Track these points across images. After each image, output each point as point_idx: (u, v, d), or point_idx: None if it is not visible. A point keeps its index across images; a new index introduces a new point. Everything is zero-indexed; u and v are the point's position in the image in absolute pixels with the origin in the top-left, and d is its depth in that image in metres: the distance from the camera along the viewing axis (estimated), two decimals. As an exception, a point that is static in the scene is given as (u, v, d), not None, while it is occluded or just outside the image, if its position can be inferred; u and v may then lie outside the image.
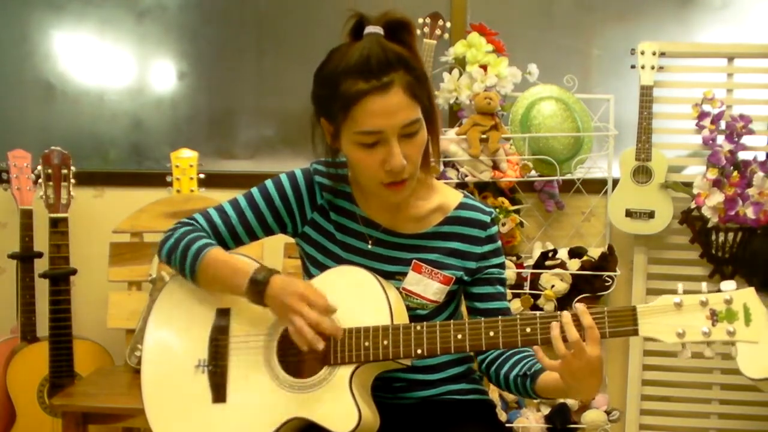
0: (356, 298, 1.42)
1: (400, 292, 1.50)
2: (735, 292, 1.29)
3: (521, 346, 1.37)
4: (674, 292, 1.32)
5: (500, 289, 1.57)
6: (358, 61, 1.33)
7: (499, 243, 1.57)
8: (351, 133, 1.36)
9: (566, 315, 1.32)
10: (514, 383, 1.51)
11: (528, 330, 1.35)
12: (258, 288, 1.40)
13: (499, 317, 1.38)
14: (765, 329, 1.27)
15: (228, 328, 1.48)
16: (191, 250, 1.47)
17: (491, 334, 1.37)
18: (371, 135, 1.35)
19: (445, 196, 1.56)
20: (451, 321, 1.40)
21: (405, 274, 1.51)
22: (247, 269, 1.42)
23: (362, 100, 1.32)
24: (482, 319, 1.38)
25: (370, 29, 1.37)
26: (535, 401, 2.70)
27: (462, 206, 1.55)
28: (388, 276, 1.50)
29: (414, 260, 1.51)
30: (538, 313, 1.38)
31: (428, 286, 1.50)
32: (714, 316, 1.29)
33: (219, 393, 1.45)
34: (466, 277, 1.53)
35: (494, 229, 1.55)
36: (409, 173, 1.40)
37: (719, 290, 1.30)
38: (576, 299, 2.58)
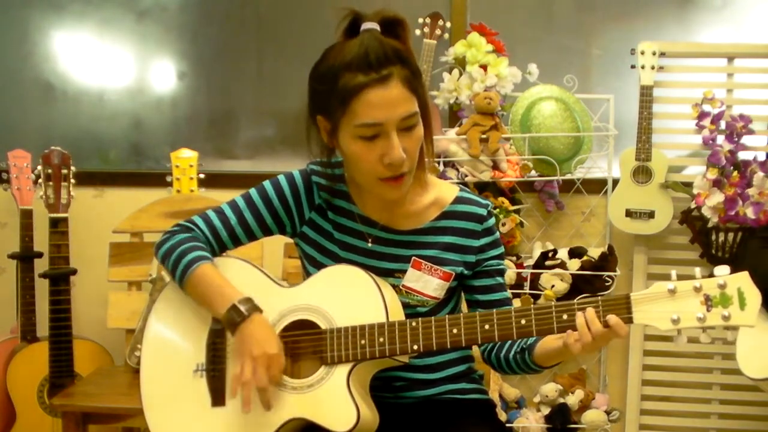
0: (352, 296, 1.42)
1: (400, 290, 1.50)
2: (729, 277, 1.29)
3: (516, 338, 1.39)
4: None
5: (500, 280, 1.58)
6: (356, 56, 1.34)
7: (497, 235, 1.58)
8: (351, 127, 1.37)
9: (591, 311, 1.34)
10: (514, 361, 1.53)
11: (523, 322, 1.36)
12: (235, 318, 1.40)
13: (494, 310, 1.39)
14: (759, 312, 1.27)
15: (225, 331, 1.47)
16: (183, 261, 1.47)
17: (486, 327, 1.38)
18: (371, 127, 1.35)
19: (441, 191, 1.56)
20: (447, 316, 1.40)
21: (404, 272, 1.51)
22: (232, 296, 1.42)
23: (362, 92, 1.33)
24: (477, 312, 1.39)
25: (366, 25, 1.39)
26: (535, 400, 2.70)
27: (458, 200, 1.55)
28: (387, 274, 1.51)
29: (413, 257, 1.51)
30: (532, 305, 1.38)
31: (428, 283, 1.51)
32: (708, 302, 1.29)
33: (218, 397, 1.45)
34: (466, 272, 1.54)
35: (491, 221, 1.56)
36: (408, 168, 1.41)
37: (713, 275, 1.30)
38: (576, 299, 2.58)
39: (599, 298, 1.35)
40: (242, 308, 1.40)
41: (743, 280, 1.29)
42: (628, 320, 1.33)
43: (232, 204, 1.57)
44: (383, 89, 1.34)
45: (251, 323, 1.40)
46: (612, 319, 1.32)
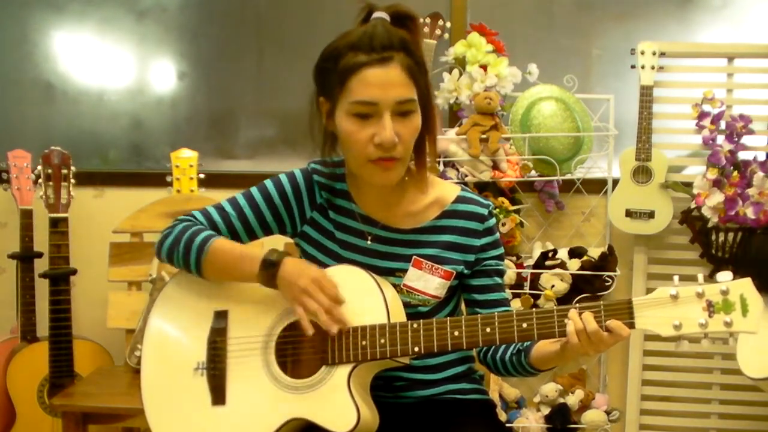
0: (352, 297, 1.42)
1: (401, 289, 1.51)
2: (731, 283, 1.29)
3: (518, 341, 1.39)
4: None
5: (498, 280, 1.58)
6: (361, 37, 1.37)
7: (497, 235, 1.58)
8: (346, 104, 1.38)
9: (588, 315, 1.34)
10: (510, 363, 1.53)
11: (524, 325, 1.37)
12: (270, 270, 1.40)
13: (496, 313, 1.39)
14: (762, 319, 1.27)
15: (226, 330, 1.48)
16: (194, 244, 1.47)
17: (488, 330, 1.38)
18: (365, 105, 1.37)
19: (442, 190, 1.56)
20: (448, 318, 1.40)
21: (405, 271, 1.51)
22: (257, 253, 1.43)
23: (360, 70, 1.36)
24: (479, 315, 1.40)
25: (377, 14, 1.43)
26: (535, 400, 2.70)
27: (459, 200, 1.55)
28: (388, 273, 1.51)
29: (414, 256, 1.51)
30: (534, 309, 1.38)
31: (429, 282, 1.51)
32: (711, 308, 1.29)
33: (218, 395, 1.45)
34: (466, 271, 1.54)
35: (492, 222, 1.56)
36: (400, 154, 1.41)
37: (715, 280, 1.30)
38: (576, 299, 2.58)
39: (601, 302, 1.35)
40: (272, 258, 1.41)
41: (746, 286, 1.28)
42: (630, 325, 1.33)
43: (233, 201, 1.57)
44: (382, 69, 1.36)
45: (285, 266, 1.40)
46: (612, 323, 1.32)
